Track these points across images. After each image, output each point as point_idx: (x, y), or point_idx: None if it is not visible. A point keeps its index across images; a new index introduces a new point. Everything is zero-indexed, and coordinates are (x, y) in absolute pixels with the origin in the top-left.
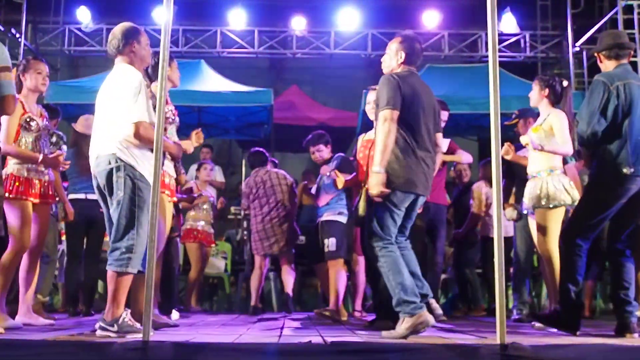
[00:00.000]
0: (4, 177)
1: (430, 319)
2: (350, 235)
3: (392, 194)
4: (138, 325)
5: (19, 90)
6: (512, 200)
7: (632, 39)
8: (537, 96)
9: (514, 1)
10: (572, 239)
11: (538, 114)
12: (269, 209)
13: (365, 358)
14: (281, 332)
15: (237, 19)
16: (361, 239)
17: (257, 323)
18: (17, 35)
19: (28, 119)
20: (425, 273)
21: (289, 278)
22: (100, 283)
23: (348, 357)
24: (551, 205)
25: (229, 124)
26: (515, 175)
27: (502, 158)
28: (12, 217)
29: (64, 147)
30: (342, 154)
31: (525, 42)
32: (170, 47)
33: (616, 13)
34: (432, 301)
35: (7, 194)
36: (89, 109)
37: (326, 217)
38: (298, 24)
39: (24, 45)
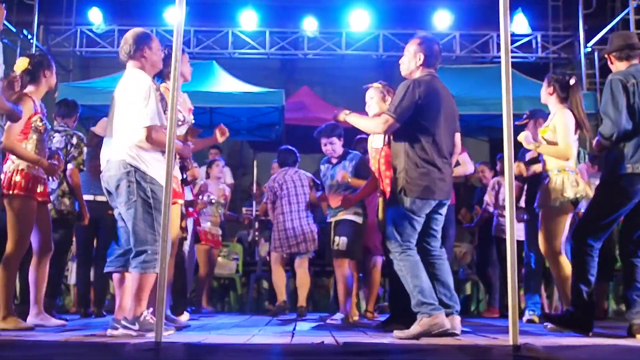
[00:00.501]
0: (10, 172)
1: (447, 323)
2: (363, 236)
3: (411, 202)
4: None
5: (37, 86)
6: (522, 202)
7: None
8: (544, 93)
9: (526, 2)
10: (584, 239)
11: (548, 115)
12: (297, 208)
13: (378, 359)
14: (293, 333)
15: (248, 20)
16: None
17: (269, 324)
18: (29, 37)
19: (38, 120)
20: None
21: (304, 284)
22: (111, 284)
23: (360, 358)
24: (557, 204)
25: (240, 124)
26: (525, 177)
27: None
28: (18, 215)
29: (85, 150)
30: (359, 154)
31: (536, 43)
32: (182, 48)
33: (628, 13)
34: (457, 318)
35: (16, 191)
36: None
37: (341, 216)
38: (309, 25)
39: (36, 46)
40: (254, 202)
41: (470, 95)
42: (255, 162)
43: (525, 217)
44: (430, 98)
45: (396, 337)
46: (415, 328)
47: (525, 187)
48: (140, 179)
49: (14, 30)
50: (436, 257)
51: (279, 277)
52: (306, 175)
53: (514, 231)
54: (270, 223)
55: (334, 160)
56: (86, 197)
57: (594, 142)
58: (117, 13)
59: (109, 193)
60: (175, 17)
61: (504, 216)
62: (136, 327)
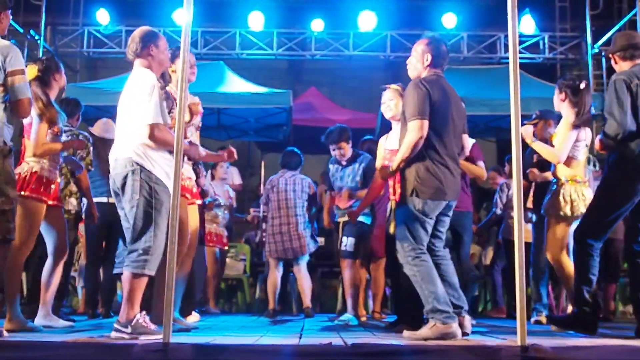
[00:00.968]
0: (24, 173)
1: (459, 333)
2: (370, 237)
3: (423, 203)
4: (152, 326)
5: (49, 90)
6: (529, 203)
7: None
8: (556, 100)
9: (533, 3)
10: (584, 239)
11: (559, 116)
12: (287, 212)
13: None
14: (301, 334)
15: (256, 21)
16: (386, 243)
17: (277, 325)
18: (36, 37)
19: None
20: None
21: (306, 288)
22: (119, 285)
23: (369, 358)
24: (561, 214)
25: (248, 125)
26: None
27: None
28: (26, 216)
29: (91, 149)
30: (369, 156)
31: (544, 44)
32: (190, 49)
33: (635, 14)
34: (467, 318)
35: (27, 193)
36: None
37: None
38: (317, 25)
39: (43, 47)
40: (262, 203)
41: (477, 96)
42: (263, 163)
43: (533, 217)
44: (438, 97)
45: (406, 337)
46: (426, 332)
47: (532, 189)
48: (145, 178)
49: (21, 30)
50: (441, 257)
51: (270, 283)
52: (303, 180)
53: (522, 232)
54: None
55: (344, 163)
56: (99, 199)
57: (597, 141)
58: (125, 14)
59: (117, 194)
60: (183, 17)
61: (512, 217)
62: (129, 330)
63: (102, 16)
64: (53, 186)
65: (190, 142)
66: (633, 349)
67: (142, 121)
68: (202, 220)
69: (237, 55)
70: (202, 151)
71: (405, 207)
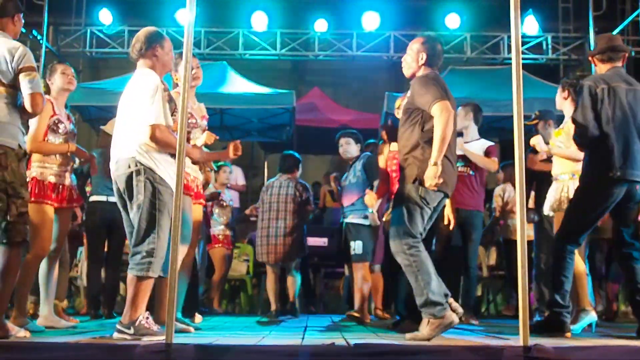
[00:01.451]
0: (29, 178)
1: (455, 318)
2: (374, 238)
3: (425, 191)
4: (155, 327)
5: (47, 94)
6: (531, 203)
7: None
8: (559, 98)
9: (536, 3)
10: (561, 243)
11: (559, 116)
12: (276, 216)
13: None
14: (304, 334)
15: (259, 21)
16: (386, 243)
17: (280, 325)
18: (39, 37)
19: (56, 121)
20: (459, 279)
21: (291, 287)
22: (122, 286)
23: (371, 359)
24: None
25: (251, 125)
26: (535, 178)
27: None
28: (32, 221)
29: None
30: (368, 153)
31: (547, 45)
32: (193, 49)
33: (638, 15)
34: (452, 301)
35: (32, 198)
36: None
37: (351, 219)
38: (320, 26)
39: (46, 47)
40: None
41: (480, 96)
42: (266, 164)
43: (535, 218)
44: (445, 90)
45: (408, 339)
46: (425, 330)
47: (533, 190)
48: (149, 178)
49: (23, 30)
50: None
51: (268, 285)
52: (296, 184)
53: (524, 232)
54: None
55: (351, 162)
56: (99, 198)
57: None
58: (128, 14)
59: (120, 196)
60: (185, 17)
61: (513, 218)
62: (131, 331)
63: (105, 16)
64: (60, 188)
65: (194, 146)
66: (634, 349)
67: (144, 121)
68: (207, 220)
69: (240, 55)
70: (205, 153)
71: (406, 194)
